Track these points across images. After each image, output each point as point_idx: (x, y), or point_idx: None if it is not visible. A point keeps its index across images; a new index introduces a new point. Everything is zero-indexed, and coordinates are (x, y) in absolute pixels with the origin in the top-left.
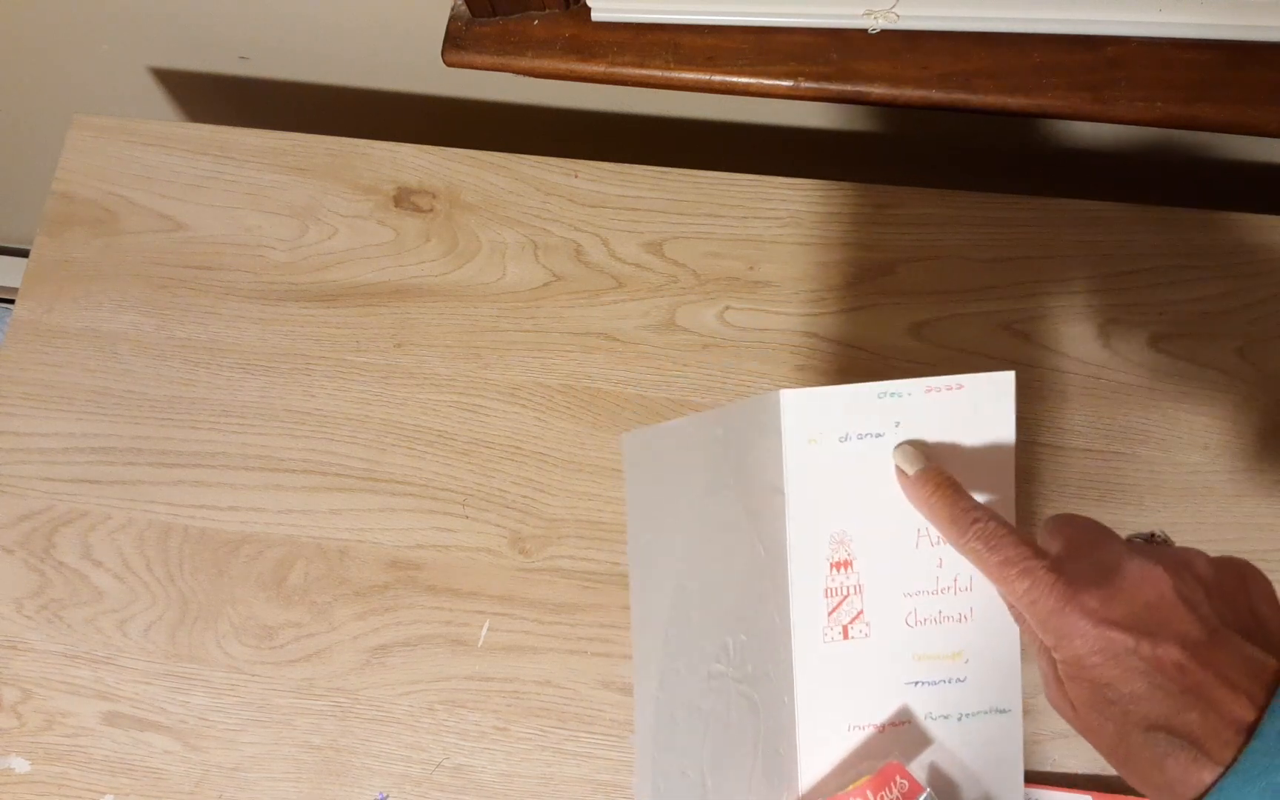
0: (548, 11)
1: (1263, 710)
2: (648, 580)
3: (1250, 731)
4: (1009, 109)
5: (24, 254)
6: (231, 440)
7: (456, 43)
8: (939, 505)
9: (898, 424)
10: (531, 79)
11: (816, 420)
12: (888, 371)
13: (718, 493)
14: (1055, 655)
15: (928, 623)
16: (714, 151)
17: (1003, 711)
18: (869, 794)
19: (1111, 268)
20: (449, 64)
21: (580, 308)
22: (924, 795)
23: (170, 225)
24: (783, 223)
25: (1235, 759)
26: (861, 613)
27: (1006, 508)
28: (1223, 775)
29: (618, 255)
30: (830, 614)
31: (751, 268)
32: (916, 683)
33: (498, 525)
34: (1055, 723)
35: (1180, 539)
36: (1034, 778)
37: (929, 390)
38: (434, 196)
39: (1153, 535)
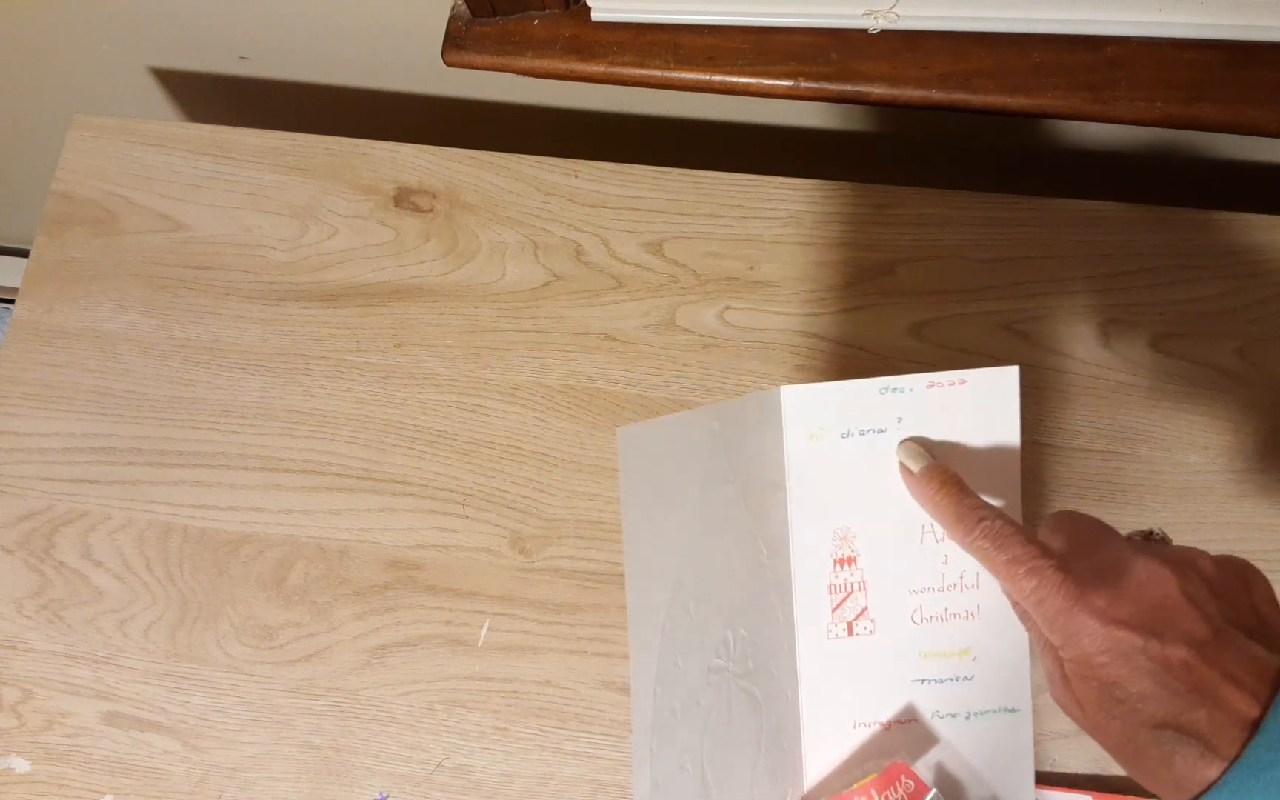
0: (548, 11)
1: (1267, 706)
2: (643, 574)
3: (1255, 727)
4: (1009, 109)
5: (24, 254)
6: (231, 440)
7: (456, 43)
8: (944, 503)
9: (900, 420)
10: (531, 79)
11: (818, 416)
12: (888, 371)
13: (715, 488)
14: (1062, 654)
15: (934, 620)
16: (714, 151)
17: (1012, 711)
18: (873, 793)
19: (1111, 268)
20: (449, 64)
21: (580, 308)
22: (930, 795)
23: (170, 225)
24: (783, 223)
25: (1240, 754)
26: (866, 609)
27: (1013, 505)
28: (1228, 769)
29: (618, 255)
30: (834, 610)
31: (751, 268)
32: (923, 680)
33: (498, 525)
34: (1056, 723)
35: (1180, 539)
36: (1035, 777)
37: (931, 386)
38: (434, 196)
39: (1150, 533)
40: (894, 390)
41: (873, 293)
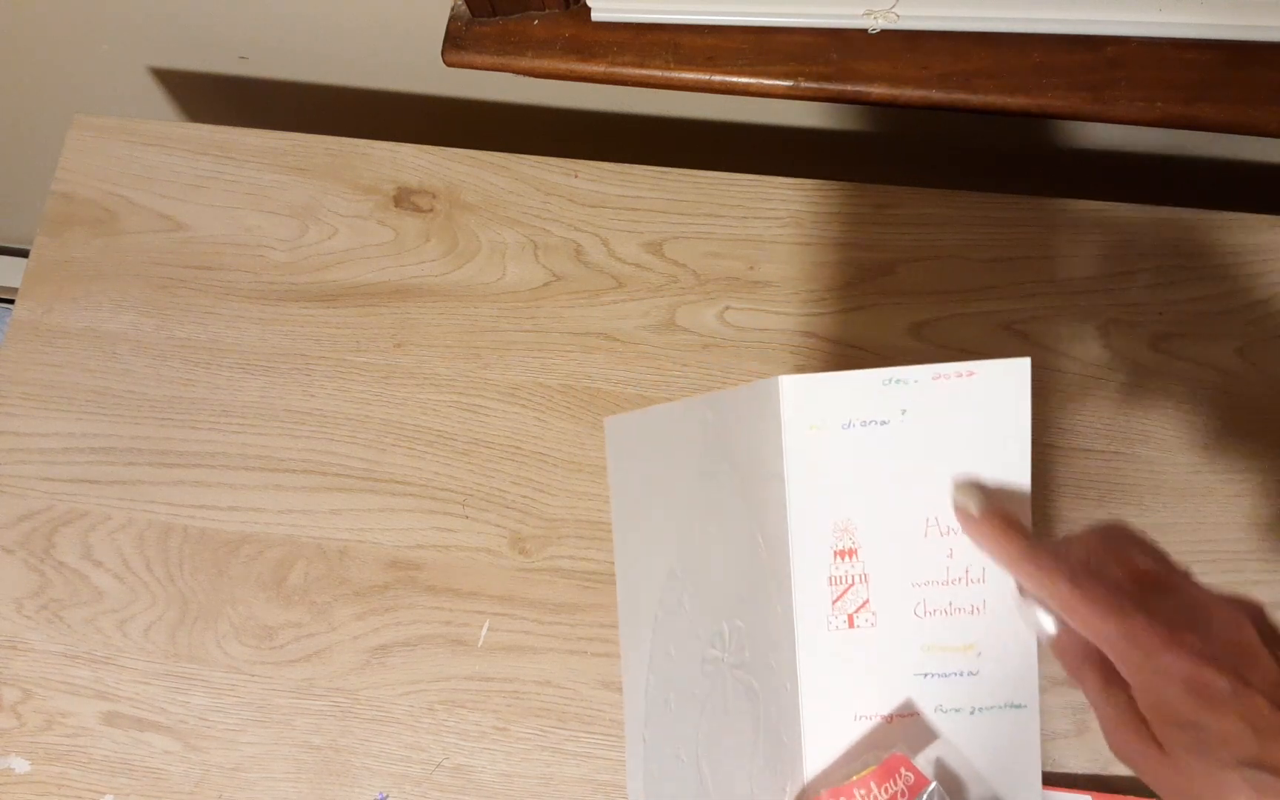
0: (548, 11)
1: None
2: (634, 565)
3: None
4: (1009, 109)
5: (24, 254)
6: (231, 440)
7: (456, 43)
8: (1010, 546)
9: (904, 411)
10: (531, 79)
11: (818, 407)
12: None
13: (709, 478)
14: (1143, 698)
15: (938, 614)
16: (714, 151)
17: (1018, 707)
18: (873, 785)
19: (1111, 268)
20: (449, 64)
21: (580, 308)
22: (930, 788)
23: (170, 225)
24: (783, 223)
25: None
26: (867, 602)
27: (1022, 504)
28: None
29: (618, 255)
30: (834, 602)
31: (751, 268)
32: (926, 674)
33: (498, 525)
34: (1056, 723)
35: (1180, 539)
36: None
37: (937, 378)
38: (434, 196)
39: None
40: (897, 382)
41: (873, 293)
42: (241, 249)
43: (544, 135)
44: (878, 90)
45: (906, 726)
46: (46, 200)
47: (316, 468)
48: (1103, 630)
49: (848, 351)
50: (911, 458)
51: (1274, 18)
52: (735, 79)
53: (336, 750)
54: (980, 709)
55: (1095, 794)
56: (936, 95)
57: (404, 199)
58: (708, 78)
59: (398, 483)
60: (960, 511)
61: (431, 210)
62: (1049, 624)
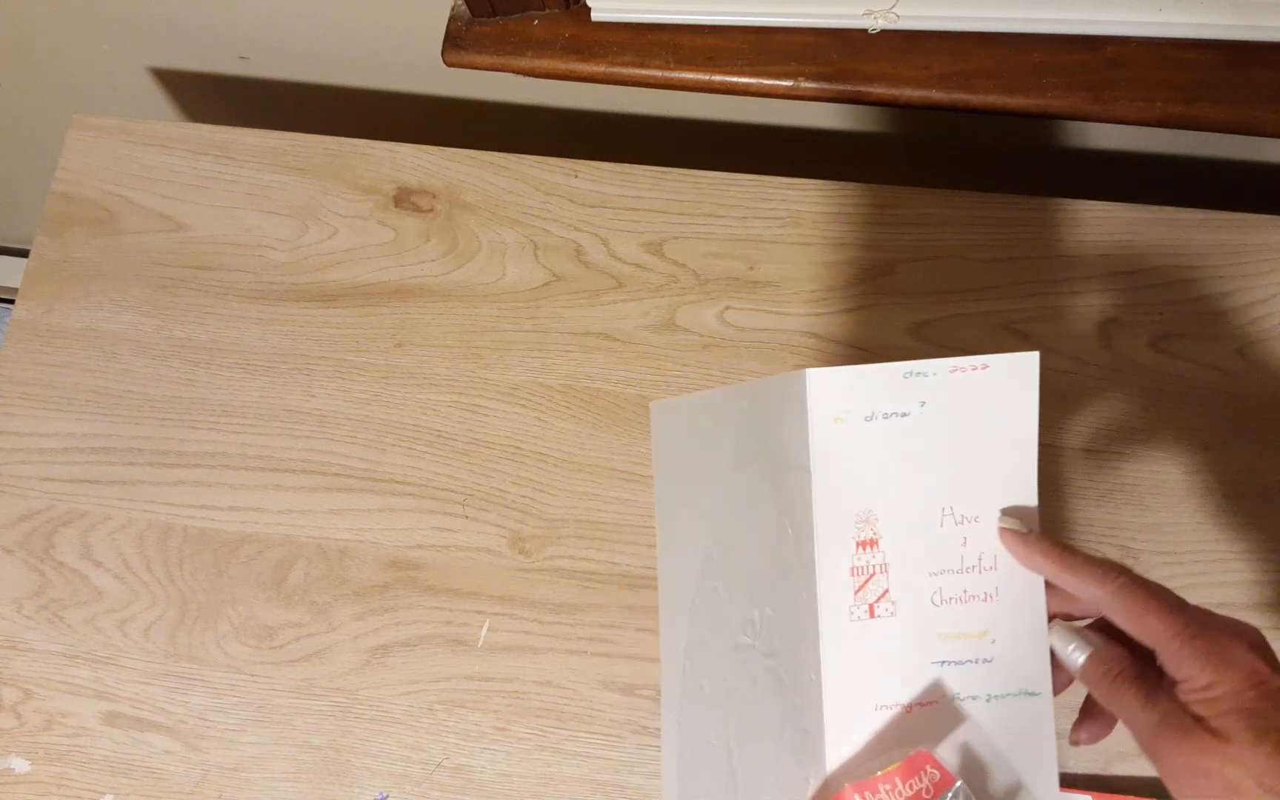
0: (548, 11)
1: None
2: (674, 547)
3: None
4: (1009, 109)
5: (24, 254)
6: (231, 440)
7: (456, 43)
8: (1067, 558)
9: (923, 404)
10: (531, 79)
11: (842, 399)
12: None
13: (743, 467)
14: (1211, 689)
15: (953, 601)
16: (714, 151)
17: (1033, 694)
18: (898, 781)
19: (1111, 268)
20: (449, 64)
21: (580, 308)
22: (956, 786)
23: (170, 225)
24: (783, 223)
25: None
26: (887, 592)
27: (1028, 494)
28: None
29: (618, 255)
30: (856, 593)
31: (751, 268)
32: (943, 662)
33: (498, 525)
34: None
35: (1180, 539)
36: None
37: (954, 370)
38: (434, 196)
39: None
40: (918, 374)
41: (873, 293)
42: (241, 249)
43: (544, 135)
44: (878, 90)
45: (926, 715)
46: (46, 200)
47: (316, 468)
48: (1171, 624)
49: (848, 351)
50: (929, 448)
51: (1274, 18)
52: (735, 79)
53: (336, 750)
54: (995, 696)
55: (1095, 794)
56: (936, 95)
57: (404, 199)
58: (708, 78)
59: (398, 483)
60: (1009, 534)
61: (431, 210)
62: (1079, 655)
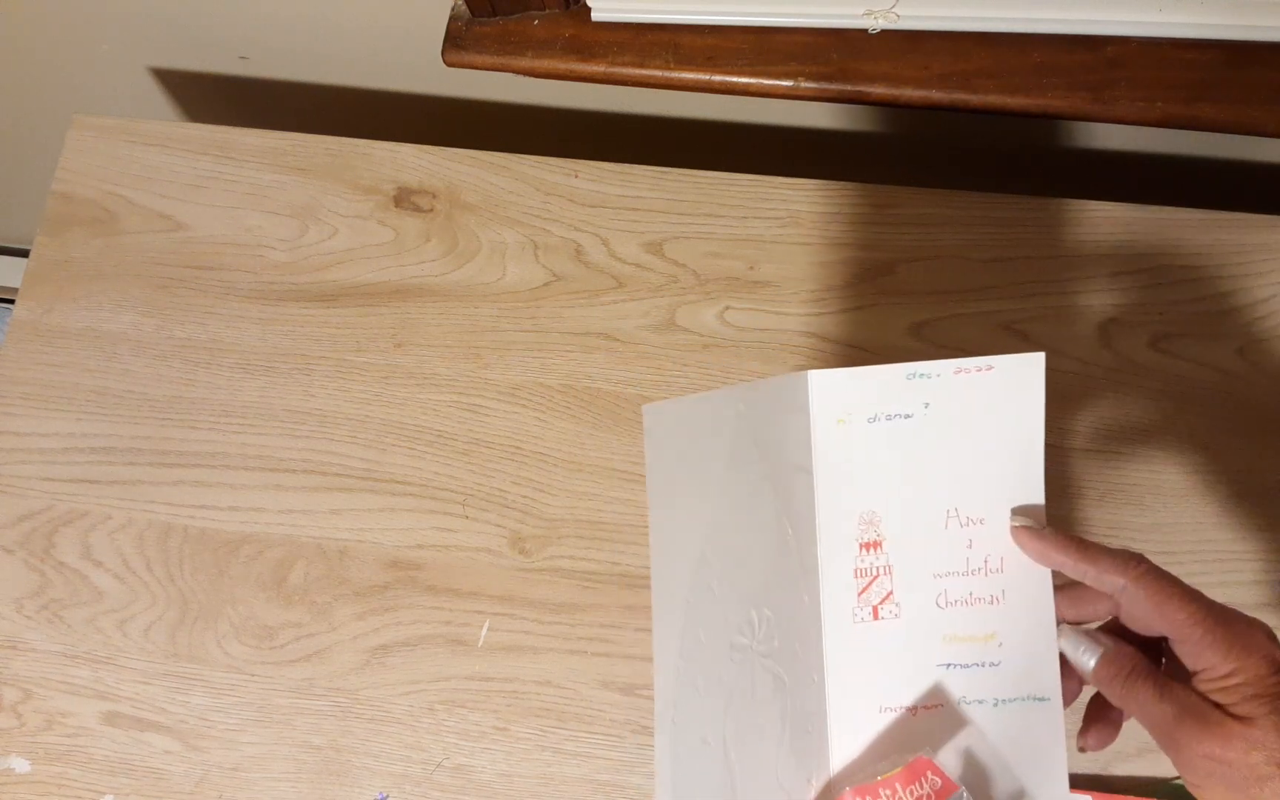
0: (548, 11)
1: None
2: (667, 547)
3: None
4: (1009, 109)
5: (24, 254)
6: (231, 440)
7: (456, 43)
8: (1086, 550)
9: (927, 405)
10: (531, 79)
11: (845, 401)
12: None
13: (740, 468)
14: (1234, 676)
15: (958, 604)
16: (714, 151)
17: (1041, 700)
18: (898, 787)
19: (1111, 268)
20: (449, 64)
21: (580, 308)
22: (958, 794)
23: (170, 225)
24: (783, 223)
25: None
26: (891, 593)
27: (1035, 495)
28: None
29: (618, 255)
30: (860, 594)
31: (751, 268)
32: (948, 665)
33: (498, 525)
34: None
35: (1180, 539)
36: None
37: (958, 372)
38: (434, 196)
39: None
40: (921, 376)
41: (873, 293)
42: (241, 249)
43: (544, 135)
44: (878, 90)
45: (931, 718)
46: (46, 200)
47: (316, 468)
48: (1194, 611)
49: (848, 351)
50: (933, 450)
51: (1274, 18)
52: (735, 79)
53: (336, 750)
54: (1003, 701)
55: (1095, 794)
56: (936, 95)
57: (404, 199)
58: (708, 78)
59: (398, 483)
60: (1023, 531)
61: (431, 210)
62: (1090, 658)
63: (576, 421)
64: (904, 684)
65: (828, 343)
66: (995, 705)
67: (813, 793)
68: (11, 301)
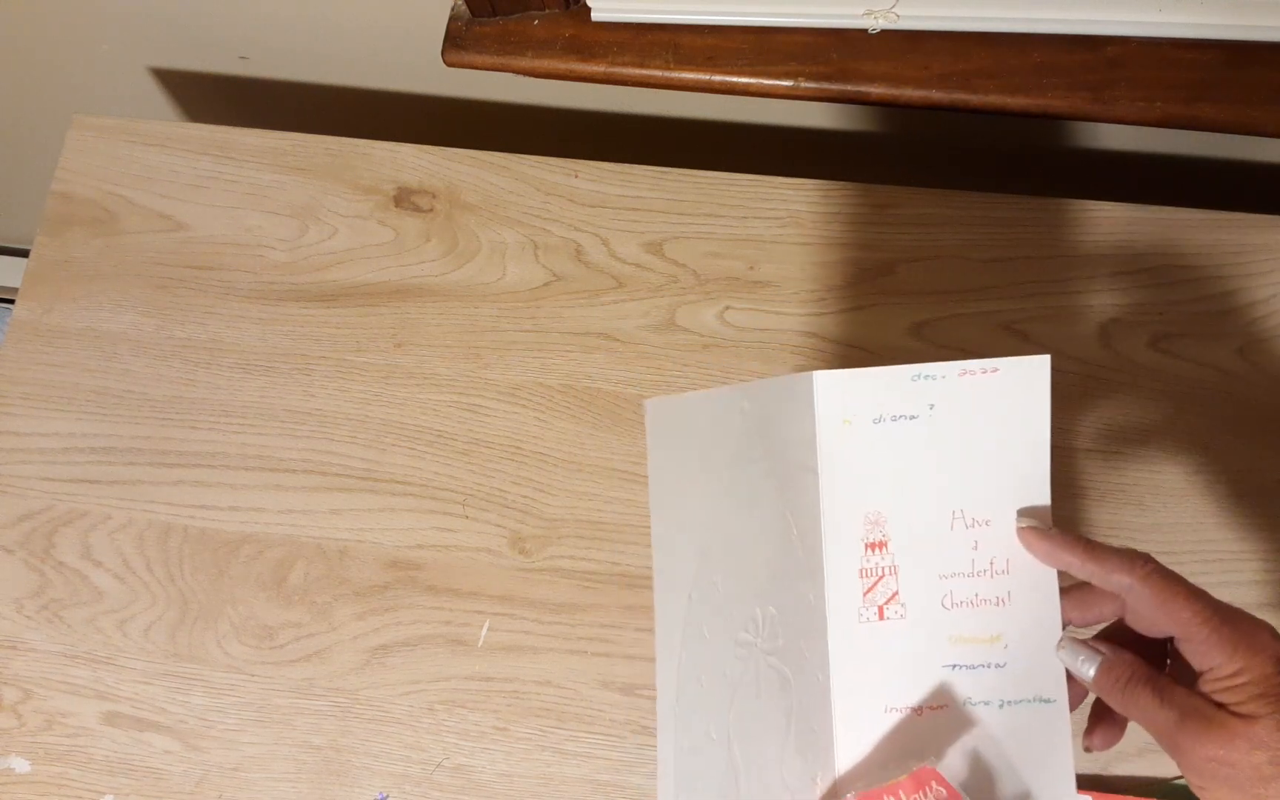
0: (548, 11)
1: None
2: (669, 543)
3: None
4: (1009, 109)
5: (24, 254)
6: (231, 440)
7: (456, 43)
8: (1093, 550)
9: (932, 407)
10: (531, 79)
11: (850, 402)
12: None
13: (744, 466)
14: (1240, 676)
15: (964, 605)
16: (714, 151)
17: (1047, 701)
18: (902, 795)
19: (1111, 268)
20: (449, 64)
21: (580, 308)
22: None
23: (170, 225)
24: (783, 223)
25: None
26: (897, 594)
27: (1041, 497)
28: None
29: (618, 255)
30: (865, 594)
31: (751, 268)
32: (954, 666)
33: (498, 525)
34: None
35: (1180, 539)
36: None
37: (964, 373)
38: (434, 196)
39: None
40: (926, 377)
41: (873, 293)
42: (241, 249)
43: (544, 135)
44: (878, 90)
45: (936, 719)
46: (46, 200)
47: (316, 468)
48: (1200, 610)
49: (848, 351)
50: (939, 452)
51: (1274, 18)
52: (735, 79)
53: (336, 750)
54: (1008, 702)
55: (1095, 794)
56: (936, 95)
57: (404, 199)
58: (708, 78)
59: (398, 483)
60: (1030, 532)
61: (431, 210)
62: (1090, 667)
63: (576, 421)
64: (909, 684)
65: (828, 343)
66: (1001, 706)
67: (818, 792)
68: (11, 301)
